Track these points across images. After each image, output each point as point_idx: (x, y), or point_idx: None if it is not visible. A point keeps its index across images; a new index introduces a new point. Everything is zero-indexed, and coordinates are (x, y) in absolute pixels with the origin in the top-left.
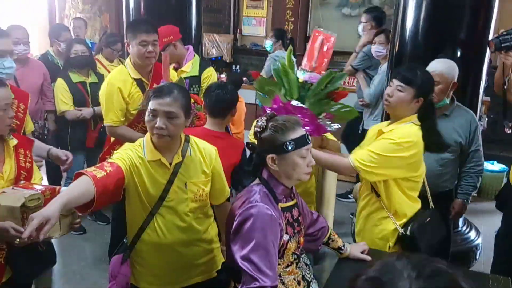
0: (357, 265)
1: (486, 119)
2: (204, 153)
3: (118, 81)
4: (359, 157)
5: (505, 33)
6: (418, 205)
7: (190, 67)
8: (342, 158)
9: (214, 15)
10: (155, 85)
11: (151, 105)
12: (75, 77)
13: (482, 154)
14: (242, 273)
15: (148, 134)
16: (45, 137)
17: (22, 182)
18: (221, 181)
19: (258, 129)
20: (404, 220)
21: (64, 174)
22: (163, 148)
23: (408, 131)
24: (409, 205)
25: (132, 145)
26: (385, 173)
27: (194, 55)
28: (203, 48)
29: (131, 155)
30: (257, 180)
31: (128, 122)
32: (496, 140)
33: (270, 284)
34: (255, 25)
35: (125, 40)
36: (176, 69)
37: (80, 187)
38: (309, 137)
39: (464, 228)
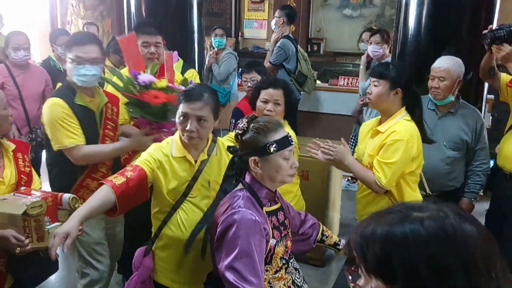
0: None
1: (490, 117)
2: (229, 154)
3: None
4: (383, 176)
5: (497, 27)
6: (420, 195)
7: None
8: (371, 176)
9: (216, 19)
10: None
11: (182, 108)
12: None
13: (488, 152)
14: (225, 284)
15: (177, 133)
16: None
17: (23, 188)
18: None
19: (239, 131)
20: None
21: None
22: (191, 146)
23: (407, 128)
24: (414, 196)
25: (159, 144)
26: (401, 172)
27: (178, 59)
28: (205, 51)
29: (156, 154)
30: (240, 185)
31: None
32: (500, 139)
33: None
34: (257, 28)
35: None
36: None
37: (100, 197)
38: (292, 139)
39: None
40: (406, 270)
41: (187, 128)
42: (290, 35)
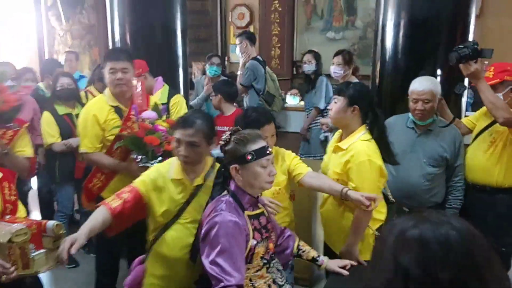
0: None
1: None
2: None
3: (94, 109)
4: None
5: (461, 46)
6: (385, 208)
7: (159, 95)
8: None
9: (203, 44)
10: (133, 112)
11: (176, 134)
12: (61, 109)
13: (464, 168)
14: (211, 278)
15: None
16: (36, 170)
17: (8, 216)
18: None
19: (223, 142)
20: (379, 224)
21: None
22: (189, 169)
23: (366, 147)
24: (381, 209)
25: (160, 165)
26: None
27: (163, 85)
28: (192, 76)
29: (154, 175)
30: (225, 192)
31: (107, 149)
32: None
33: (235, 283)
34: None
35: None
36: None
37: (99, 217)
38: (270, 149)
39: None
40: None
41: (180, 153)
42: (258, 56)
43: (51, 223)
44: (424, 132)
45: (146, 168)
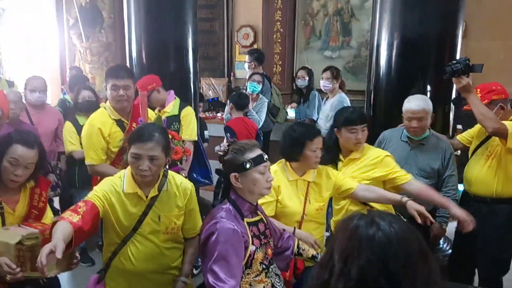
0: None
1: None
2: (180, 188)
3: (98, 122)
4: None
5: (454, 61)
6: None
7: (171, 107)
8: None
9: (210, 61)
10: (134, 125)
11: (134, 149)
12: (82, 120)
13: (457, 179)
14: (207, 286)
15: (128, 170)
16: (58, 176)
17: (30, 220)
18: (195, 217)
19: (221, 153)
20: None
21: None
22: (143, 183)
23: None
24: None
25: (111, 179)
26: None
27: (175, 98)
28: (201, 90)
29: (107, 189)
30: (225, 200)
31: (111, 160)
32: None
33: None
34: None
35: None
36: (160, 110)
37: (65, 230)
38: (266, 156)
39: (445, 245)
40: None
41: (140, 167)
42: (264, 73)
43: None
44: (417, 146)
45: None
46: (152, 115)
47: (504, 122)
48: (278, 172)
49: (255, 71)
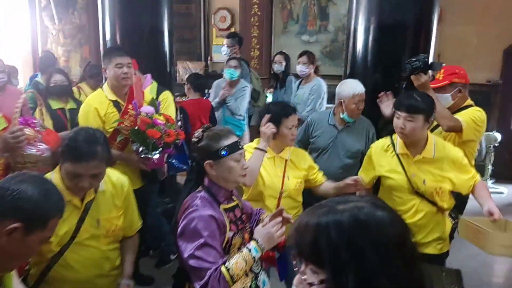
0: None
1: None
2: (115, 185)
3: (95, 102)
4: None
5: (414, 59)
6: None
7: (149, 91)
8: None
9: (187, 45)
10: (130, 106)
11: (73, 168)
12: (55, 104)
13: None
14: (191, 271)
15: (56, 173)
16: None
17: None
18: (133, 213)
19: (195, 139)
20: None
21: None
22: (76, 189)
23: (444, 143)
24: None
25: None
26: None
27: (152, 82)
28: (177, 74)
29: None
30: (199, 188)
31: None
32: None
33: (216, 266)
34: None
35: (102, 66)
36: None
37: None
38: (241, 144)
39: None
40: (330, 255)
41: (80, 185)
42: (242, 57)
43: None
44: (344, 128)
45: (148, 158)
46: (148, 97)
47: (459, 117)
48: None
49: (232, 56)
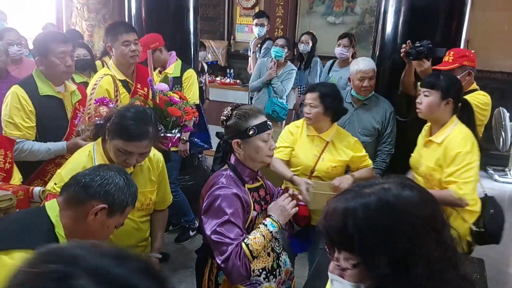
0: None
1: None
2: (152, 160)
3: (106, 83)
4: (462, 191)
5: (418, 44)
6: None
7: (173, 69)
8: (447, 193)
9: (210, 23)
10: (139, 86)
11: (124, 146)
12: (78, 78)
13: (395, 135)
14: (214, 246)
15: (98, 144)
16: None
17: (0, 182)
18: (166, 188)
19: (224, 118)
20: (476, 217)
21: None
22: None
23: (465, 135)
24: (476, 202)
25: (78, 159)
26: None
27: (177, 59)
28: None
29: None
30: (225, 166)
31: None
32: None
33: (238, 242)
34: (247, 32)
35: (106, 44)
36: (160, 71)
37: None
38: (270, 124)
39: None
40: (360, 238)
41: (127, 161)
42: (269, 36)
43: (37, 189)
44: (361, 106)
45: (166, 137)
46: (155, 77)
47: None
48: (299, 126)
49: (280, 36)
